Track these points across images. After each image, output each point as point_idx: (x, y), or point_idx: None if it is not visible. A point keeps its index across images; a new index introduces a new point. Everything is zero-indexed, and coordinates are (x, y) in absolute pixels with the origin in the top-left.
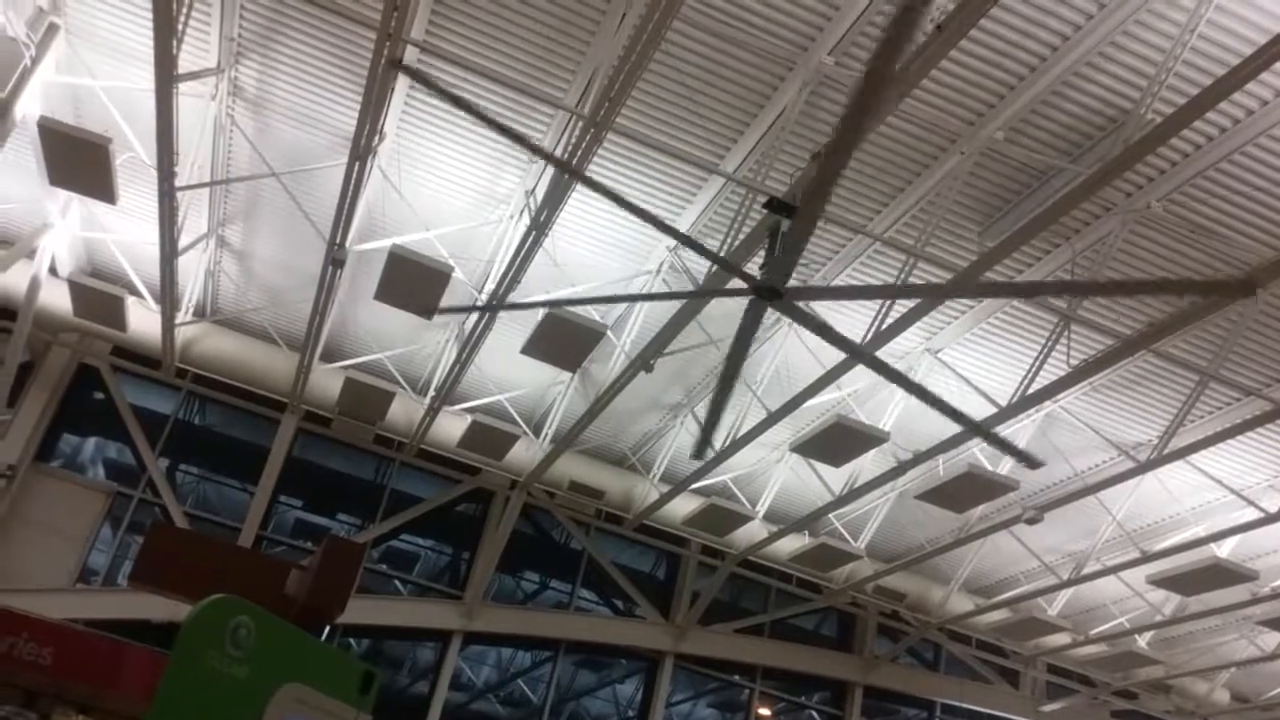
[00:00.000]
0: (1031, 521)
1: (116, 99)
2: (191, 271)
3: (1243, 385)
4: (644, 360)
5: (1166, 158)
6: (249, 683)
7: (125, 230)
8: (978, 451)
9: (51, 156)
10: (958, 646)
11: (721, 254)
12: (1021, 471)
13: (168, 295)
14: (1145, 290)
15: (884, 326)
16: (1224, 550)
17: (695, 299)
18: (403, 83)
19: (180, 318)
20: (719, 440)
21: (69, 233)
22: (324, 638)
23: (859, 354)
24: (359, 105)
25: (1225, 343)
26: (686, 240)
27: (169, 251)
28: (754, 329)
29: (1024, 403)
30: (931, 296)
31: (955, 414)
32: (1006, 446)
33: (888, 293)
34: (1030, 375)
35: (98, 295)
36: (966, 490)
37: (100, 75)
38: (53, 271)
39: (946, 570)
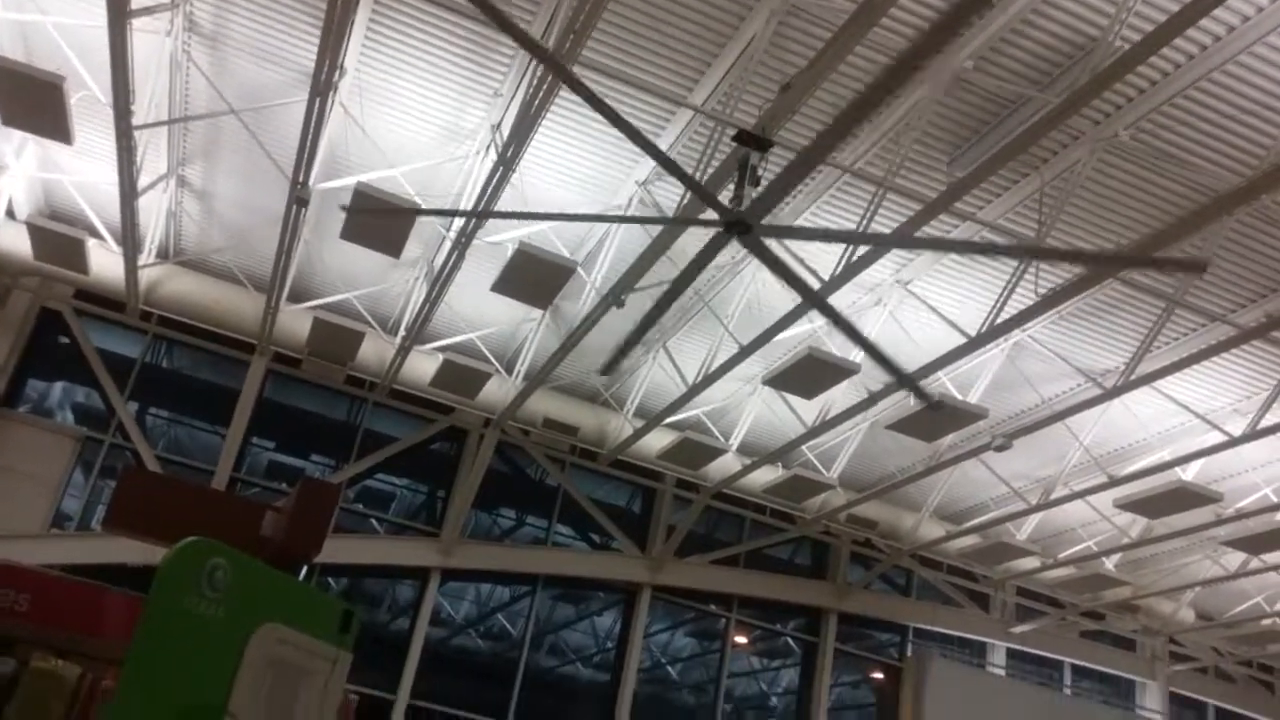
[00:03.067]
0: (1000, 449)
1: (68, 36)
2: (153, 212)
3: (1208, 311)
4: (615, 295)
5: (1134, 85)
6: (227, 624)
7: (83, 171)
8: (947, 381)
9: (3, 96)
10: (929, 572)
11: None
12: (991, 399)
13: (129, 237)
14: (1100, 263)
15: (854, 258)
16: (1189, 474)
17: (665, 231)
18: (363, 15)
19: (143, 259)
20: (692, 375)
21: (25, 174)
22: (302, 577)
23: (813, 298)
24: (318, 39)
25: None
26: (665, 161)
27: (129, 192)
28: (710, 258)
29: (992, 332)
30: (892, 245)
31: (886, 362)
32: (921, 393)
33: (856, 238)
34: (998, 305)
35: (58, 238)
36: (936, 419)
37: (50, 11)
38: (10, 214)
39: (917, 498)
